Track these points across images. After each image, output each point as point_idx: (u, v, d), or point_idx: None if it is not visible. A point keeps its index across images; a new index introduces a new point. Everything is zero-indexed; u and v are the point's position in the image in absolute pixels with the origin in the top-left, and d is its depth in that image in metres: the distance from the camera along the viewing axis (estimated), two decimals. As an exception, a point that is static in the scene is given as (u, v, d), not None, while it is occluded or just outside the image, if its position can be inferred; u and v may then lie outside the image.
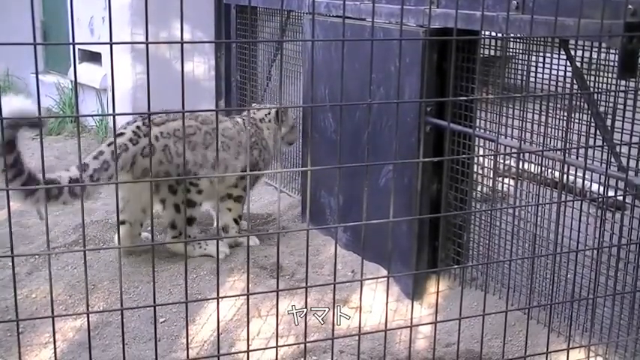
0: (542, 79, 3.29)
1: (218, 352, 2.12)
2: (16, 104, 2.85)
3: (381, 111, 3.67)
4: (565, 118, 3.17)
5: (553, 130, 3.27)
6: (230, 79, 5.83)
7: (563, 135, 3.06)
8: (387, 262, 3.46)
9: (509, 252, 3.30)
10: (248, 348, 2.05)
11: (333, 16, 4.18)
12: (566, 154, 2.91)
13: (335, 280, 2.08)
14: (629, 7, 2.42)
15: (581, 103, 3.24)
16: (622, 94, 2.85)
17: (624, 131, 2.82)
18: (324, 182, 4.22)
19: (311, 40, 3.92)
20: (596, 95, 3.13)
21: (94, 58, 6.91)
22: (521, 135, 2.99)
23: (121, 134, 3.79)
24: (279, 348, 2.14)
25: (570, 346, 2.53)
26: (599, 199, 3.01)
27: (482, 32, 3.27)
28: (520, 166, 3.37)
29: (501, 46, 3.46)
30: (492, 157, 3.48)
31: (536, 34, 2.92)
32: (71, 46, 6.67)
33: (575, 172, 3.09)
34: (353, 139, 3.87)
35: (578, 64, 3.15)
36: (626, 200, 2.89)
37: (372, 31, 2.40)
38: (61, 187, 3.40)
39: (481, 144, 3.57)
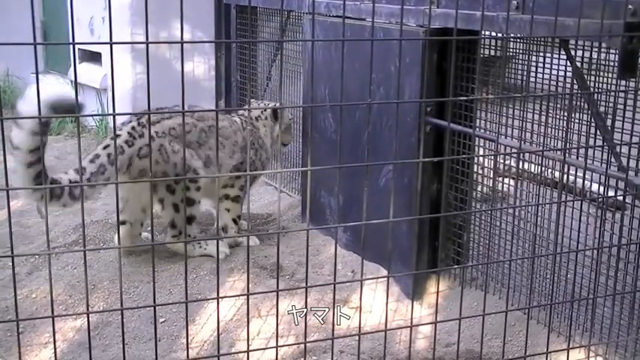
0: (543, 79, 3.29)
1: (218, 352, 2.12)
2: (54, 92, 2.99)
3: (381, 111, 3.67)
4: (565, 118, 3.17)
5: (553, 130, 3.27)
6: (230, 79, 5.83)
7: (564, 135, 3.05)
8: (387, 262, 3.46)
9: (509, 252, 3.30)
10: (248, 348, 2.05)
11: (333, 16, 4.18)
12: (567, 154, 2.91)
13: (335, 280, 2.08)
14: (629, 7, 2.42)
15: (582, 103, 3.24)
16: (622, 94, 2.85)
17: (624, 131, 2.82)
18: (324, 182, 4.22)
19: (311, 40, 3.92)
20: (596, 95, 3.13)
21: (94, 58, 6.92)
22: (521, 135, 2.99)
23: (117, 136, 3.78)
24: (279, 348, 2.14)
25: (570, 346, 2.53)
26: (599, 199, 3.01)
27: (483, 32, 3.27)
28: (520, 166, 3.37)
29: (501, 46, 3.46)
30: (492, 157, 3.48)
31: (537, 34, 2.92)
32: (71, 46, 6.67)
33: (576, 172, 3.09)
34: (353, 139, 3.87)
35: (579, 64, 3.15)
36: (626, 200, 2.89)
37: (372, 31, 2.40)
38: (63, 188, 3.41)
39: (481, 144, 3.57)
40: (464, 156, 3.44)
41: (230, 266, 3.88)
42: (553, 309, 3.09)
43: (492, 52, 3.63)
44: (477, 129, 3.42)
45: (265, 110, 4.33)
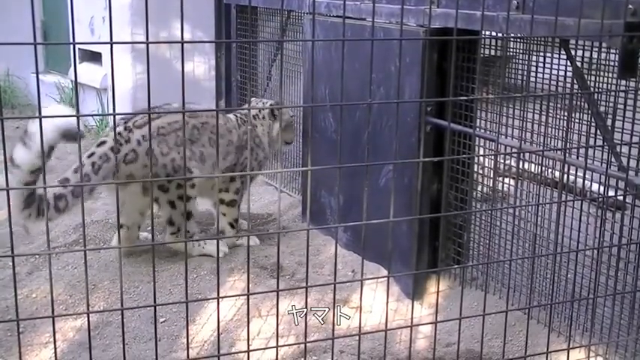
0: (543, 78, 3.29)
1: (218, 352, 2.12)
2: (65, 120, 3.04)
3: (382, 111, 3.67)
4: (565, 117, 3.17)
5: (553, 129, 3.26)
6: (230, 78, 5.83)
7: (564, 135, 3.05)
8: (388, 262, 3.46)
9: (509, 252, 3.30)
10: (248, 348, 2.05)
11: (333, 15, 4.18)
12: (567, 154, 2.91)
13: (335, 280, 2.07)
14: (630, 6, 2.42)
15: (582, 103, 3.24)
16: (622, 94, 2.85)
17: (624, 131, 2.82)
18: (325, 182, 4.22)
19: (311, 40, 3.92)
20: (596, 95, 3.13)
21: (95, 57, 6.92)
22: (521, 135, 2.99)
23: (103, 142, 3.74)
24: (279, 348, 2.14)
25: (570, 346, 2.53)
26: (600, 199, 3.01)
27: (483, 32, 3.27)
28: (520, 166, 3.37)
29: (502, 45, 3.46)
30: (493, 157, 3.48)
31: (537, 33, 2.92)
32: (71, 46, 6.66)
33: (576, 171, 3.09)
34: (353, 139, 3.87)
35: (579, 64, 3.15)
36: (627, 200, 2.89)
37: (373, 30, 2.40)
38: (48, 204, 3.39)
39: (481, 144, 3.57)
40: (464, 156, 3.44)
41: (230, 266, 3.88)
42: (553, 309, 3.09)
43: (492, 52, 3.63)
44: (477, 129, 3.42)
45: (263, 109, 4.29)
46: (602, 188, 2.90)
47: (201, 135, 3.95)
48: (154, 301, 1.92)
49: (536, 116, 3.27)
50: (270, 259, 3.98)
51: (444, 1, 3.32)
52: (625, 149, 2.82)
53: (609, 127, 2.91)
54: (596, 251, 2.83)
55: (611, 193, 2.84)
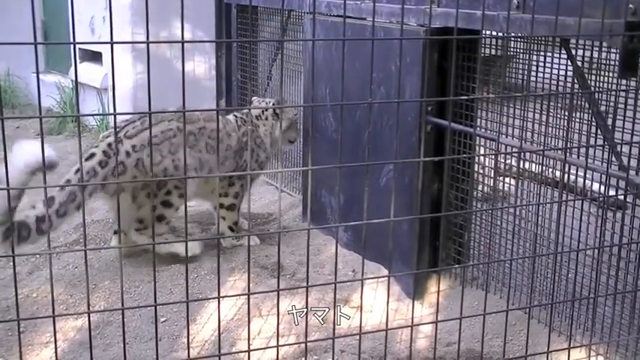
0: (543, 78, 3.29)
1: (219, 351, 2.11)
2: (30, 152, 2.89)
3: (382, 110, 3.67)
4: (566, 117, 3.17)
5: (554, 129, 3.26)
6: (231, 78, 5.82)
7: (564, 134, 3.05)
8: (388, 261, 3.46)
9: (510, 251, 3.30)
10: (249, 347, 2.05)
11: (333, 15, 4.18)
12: (567, 154, 2.91)
13: (336, 279, 2.08)
14: (630, 6, 2.42)
15: (582, 103, 3.23)
16: (623, 94, 2.85)
17: (625, 130, 2.82)
18: (325, 182, 4.22)
19: (312, 40, 3.91)
20: (596, 94, 3.13)
21: (95, 57, 6.92)
22: (522, 134, 2.99)
23: (92, 155, 3.66)
24: (279, 347, 2.14)
25: (571, 346, 2.53)
26: (600, 199, 3.01)
27: (483, 31, 3.27)
28: (521, 166, 3.37)
29: (502, 45, 3.45)
30: (493, 157, 3.48)
31: (537, 33, 2.91)
32: (72, 46, 6.66)
33: (576, 171, 3.09)
34: (354, 139, 3.87)
35: (579, 64, 3.14)
36: (627, 199, 2.89)
37: (373, 30, 2.39)
38: (29, 229, 3.12)
39: (482, 143, 3.57)
40: (465, 155, 3.44)
41: (231, 266, 3.88)
42: (554, 308, 3.09)
43: (493, 52, 3.63)
44: (478, 128, 3.42)
45: (266, 110, 4.26)
46: (602, 188, 2.90)
47: (198, 141, 3.92)
48: (155, 301, 1.92)
49: (537, 116, 3.27)
50: (271, 259, 3.98)
51: (445, 1, 3.32)
52: (625, 149, 2.82)
53: (610, 127, 2.91)
54: (596, 251, 2.83)
55: (612, 192, 2.84)
